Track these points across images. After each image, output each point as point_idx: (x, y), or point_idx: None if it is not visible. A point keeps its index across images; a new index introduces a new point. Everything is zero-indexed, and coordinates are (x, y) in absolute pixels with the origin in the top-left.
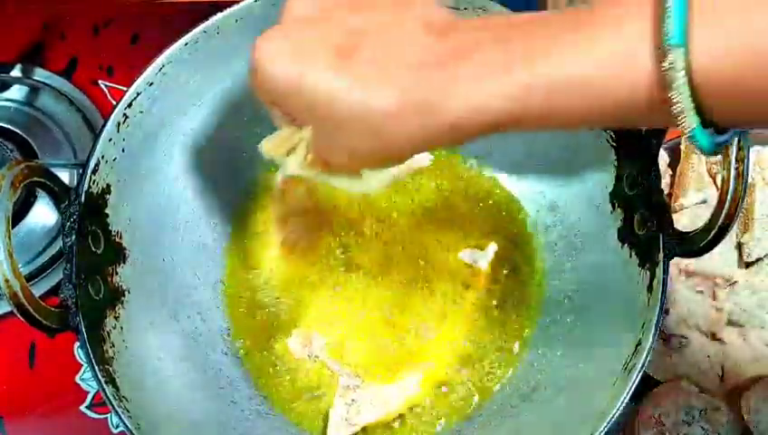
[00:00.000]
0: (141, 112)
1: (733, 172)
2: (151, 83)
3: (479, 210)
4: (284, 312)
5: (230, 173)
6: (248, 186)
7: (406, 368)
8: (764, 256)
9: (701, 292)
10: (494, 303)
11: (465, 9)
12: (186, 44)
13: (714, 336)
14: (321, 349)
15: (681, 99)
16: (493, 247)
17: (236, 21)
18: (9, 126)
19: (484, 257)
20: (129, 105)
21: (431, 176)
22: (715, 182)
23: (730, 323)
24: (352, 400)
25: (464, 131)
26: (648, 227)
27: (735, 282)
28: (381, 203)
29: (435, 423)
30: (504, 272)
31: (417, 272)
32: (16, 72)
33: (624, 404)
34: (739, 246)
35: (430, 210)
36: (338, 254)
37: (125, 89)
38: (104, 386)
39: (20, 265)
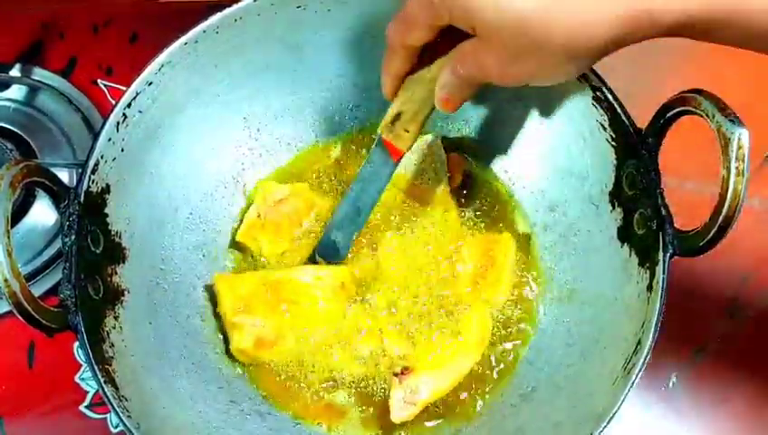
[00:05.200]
0: (141, 112)
1: (733, 171)
2: (151, 83)
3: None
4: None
5: (230, 173)
6: (248, 185)
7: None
8: None
9: None
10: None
11: None
12: (185, 44)
13: None
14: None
15: None
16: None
17: (236, 21)
18: (9, 126)
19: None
20: (129, 105)
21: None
22: None
23: None
24: (410, 391)
25: (656, 23)
26: (648, 227)
27: None
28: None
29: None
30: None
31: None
32: (16, 72)
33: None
34: None
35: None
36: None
37: (124, 89)
38: (104, 386)
39: (19, 265)
